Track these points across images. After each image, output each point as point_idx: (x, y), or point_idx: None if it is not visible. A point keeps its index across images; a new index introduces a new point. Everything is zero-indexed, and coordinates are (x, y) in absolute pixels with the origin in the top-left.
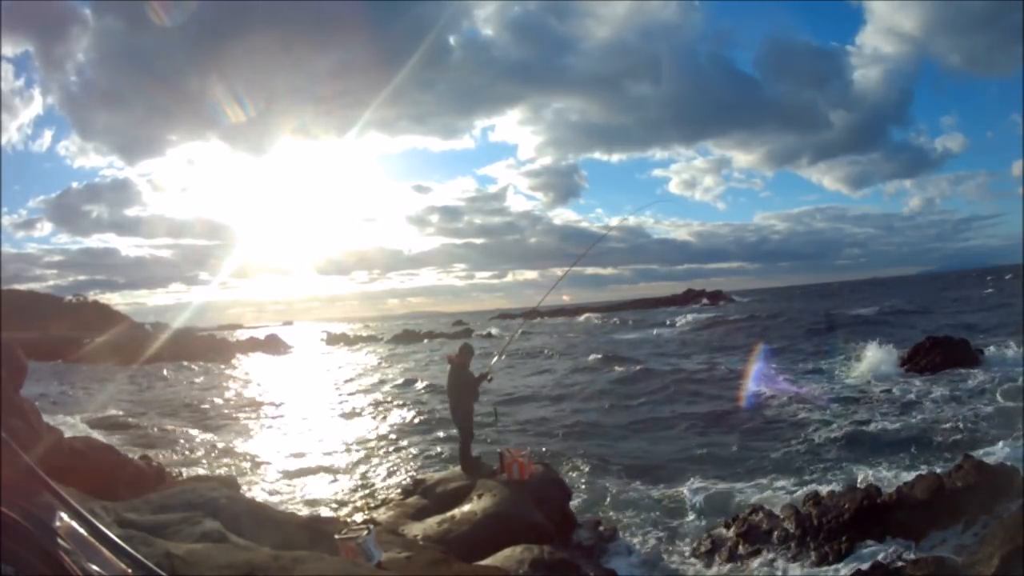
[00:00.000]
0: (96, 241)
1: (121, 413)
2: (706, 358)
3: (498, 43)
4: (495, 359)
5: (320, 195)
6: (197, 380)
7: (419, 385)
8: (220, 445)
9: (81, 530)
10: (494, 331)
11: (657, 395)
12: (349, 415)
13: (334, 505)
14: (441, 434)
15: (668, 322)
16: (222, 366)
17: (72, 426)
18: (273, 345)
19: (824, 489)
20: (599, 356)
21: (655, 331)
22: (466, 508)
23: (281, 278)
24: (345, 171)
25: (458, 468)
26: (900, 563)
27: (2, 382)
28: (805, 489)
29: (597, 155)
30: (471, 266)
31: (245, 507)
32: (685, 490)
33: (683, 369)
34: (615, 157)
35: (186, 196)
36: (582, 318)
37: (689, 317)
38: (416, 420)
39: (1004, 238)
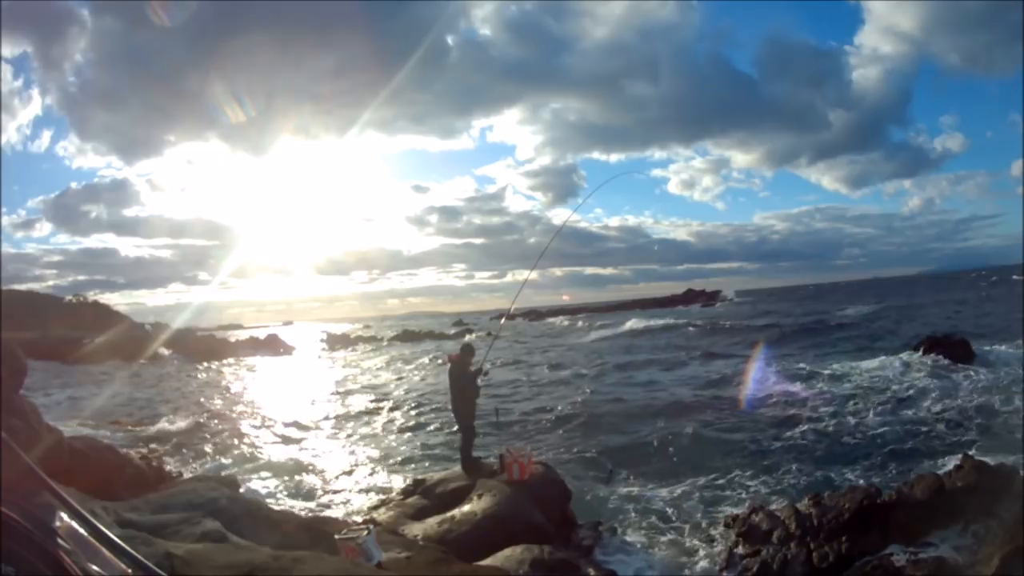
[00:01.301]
0: (95, 241)
1: (121, 413)
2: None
3: (496, 43)
4: (486, 362)
5: (319, 195)
6: (197, 380)
7: (416, 385)
8: (220, 445)
9: (81, 530)
10: (492, 331)
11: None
12: (349, 415)
13: (334, 505)
14: (440, 433)
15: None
16: (222, 366)
17: (72, 426)
18: (273, 345)
19: (824, 490)
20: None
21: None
22: (466, 508)
23: (281, 278)
24: (344, 171)
25: (458, 468)
26: (900, 563)
27: (2, 382)
28: (805, 489)
29: (595, 155)
30: (470, 266)
31: (245, 507)
32: (685, 490)
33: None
34: (613, 157)
35: (185, 196)
36: (556, 319)
37: (641, 322)
38: (415, 420)
39: (1004, 238)
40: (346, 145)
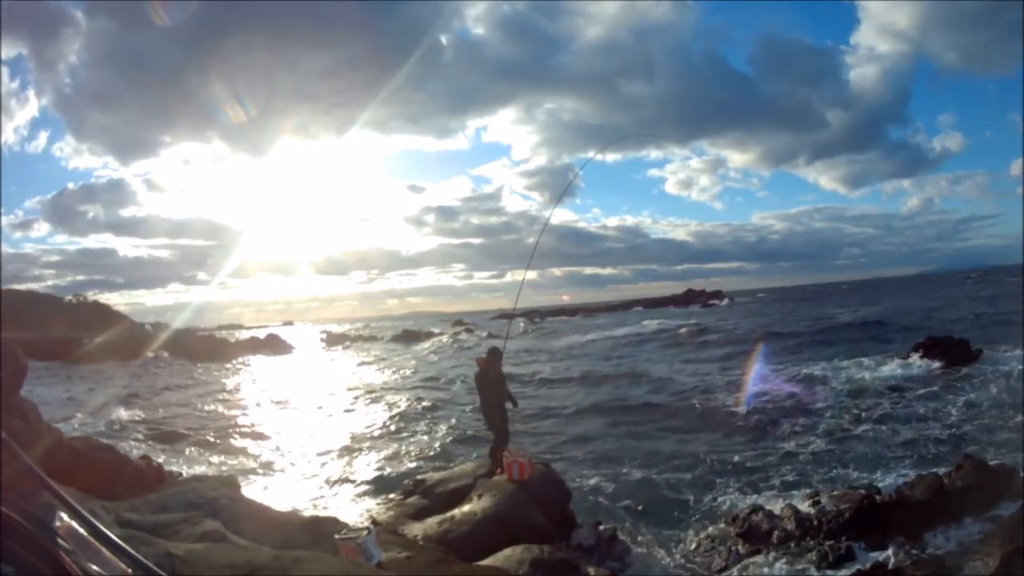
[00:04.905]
0: (93, 241)
1: (121, 413)
2: None
3: (489, 42)
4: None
5: (316, 195)
6: (197, 380)
7: (416, 384)
8: (220, 445)
9: (81, 530)
10: (493, 331)
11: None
12: (350, 415)
13: (334, 505)
14: (440, 432)
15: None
16: (223, 366)
17: (71, 426)
18: (274, 345)
19: (824, 490)
20: None
21: None
22: (466, 508)
23: (280, 278)
24: (341, 171)
25: (458, 468)
26: (900, 563)
27: (2, 382)
28: (805, 490)
29: (592, 155)
30: (469, 266)
31: (245, 507)
32: (685, 490)
33: None
34: (610, 157)
35: (182, 196)
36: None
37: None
38: (415, 419)
39: (1004, 238)
40: (343, 145)
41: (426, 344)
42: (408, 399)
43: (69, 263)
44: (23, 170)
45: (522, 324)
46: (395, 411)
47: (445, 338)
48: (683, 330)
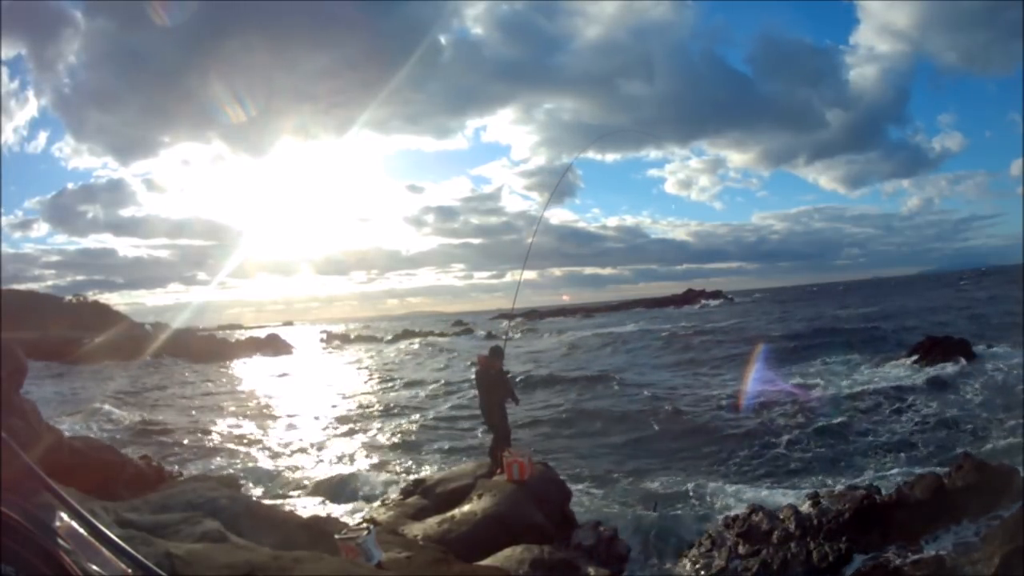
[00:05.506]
0: (93, 241)
1: (121, 413)
2: None
3: (488, 42)
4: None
5: (316, 195)
6: (198, 381)
7: (419, 383)
8: (220, 445)
9: (81, 530)
10: (492, 331)
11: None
12: (350, 415)
13: (334, 505)
14: (440, 432)
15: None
16: (223, 366)
17: (71, 427)
18: (273, 345)
19: (824, 490)
20: None
21: None
22: (466, 508)
23: (280, 278)
24: (341, 171)
25: (458, 468)
26: (900, 563)
27: (2, 382)
28: (805, 490)
29: (591, 155)
30: (469, 266)
31: (245, 507)
32: (684, 491)
33: None
34: (609, 157)
35: (182, 196)
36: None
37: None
38: (417, 419)
39: (1004, 238)
40: (343, 145)
41: (403, 344)
42: (408, 396)
43: (69, 263)
44: (23, 170)
45: (508, 324)
46: (396, 409)
47: (419, 341)
48: (664, 333)
